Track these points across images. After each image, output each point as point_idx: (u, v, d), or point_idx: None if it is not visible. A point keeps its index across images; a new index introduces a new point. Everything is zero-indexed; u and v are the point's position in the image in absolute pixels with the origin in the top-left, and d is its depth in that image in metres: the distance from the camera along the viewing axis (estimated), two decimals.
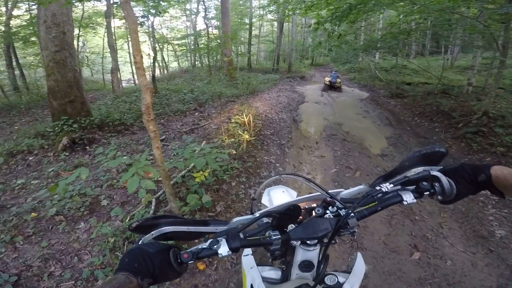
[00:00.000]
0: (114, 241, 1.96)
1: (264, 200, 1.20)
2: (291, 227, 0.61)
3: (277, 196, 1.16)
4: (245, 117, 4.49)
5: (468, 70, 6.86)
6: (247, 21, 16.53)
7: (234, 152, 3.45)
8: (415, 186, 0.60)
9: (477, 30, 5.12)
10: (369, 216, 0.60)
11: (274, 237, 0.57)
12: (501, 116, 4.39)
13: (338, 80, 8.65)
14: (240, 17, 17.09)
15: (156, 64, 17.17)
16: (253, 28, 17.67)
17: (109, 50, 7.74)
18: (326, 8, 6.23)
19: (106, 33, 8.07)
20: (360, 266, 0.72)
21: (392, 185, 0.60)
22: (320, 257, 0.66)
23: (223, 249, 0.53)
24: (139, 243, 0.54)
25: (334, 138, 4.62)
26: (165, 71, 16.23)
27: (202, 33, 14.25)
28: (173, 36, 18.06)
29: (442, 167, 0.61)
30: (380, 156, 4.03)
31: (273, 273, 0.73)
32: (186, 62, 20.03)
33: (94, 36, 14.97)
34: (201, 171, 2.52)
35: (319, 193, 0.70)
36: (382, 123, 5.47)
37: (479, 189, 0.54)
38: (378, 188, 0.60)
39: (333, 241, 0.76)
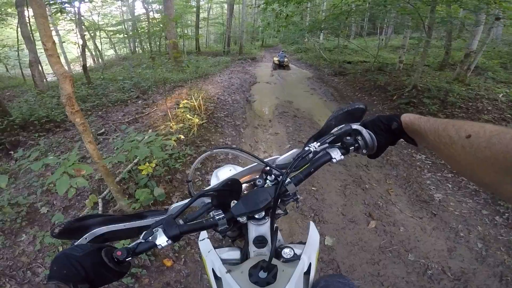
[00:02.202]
0: (63, 249, 1.73)
1: (213, 182, 1.12)
2: (233, 203, 0.58)
3: (225, 176, 1.08)
4: (195, 101, 4.23)
5: (400, 49, 7.63)
6: (194, 3, 15.46)
7: (183, 137, 3.23)
8: (340, 143, 0.60)
9: (408, 11, 5.66)
10: (304, 180, 0.58)
11: (217, 217, 0.54)
12: (427, 89, 5.02)
13: (286, 59, 9.07)
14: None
15: (88, 53, 15.05)
16: (201, 11, 16.67)
17: (24, 42, 6.46)
18: None
19: (19, 24, 6.68)
20: (314, 235, 0.71)
21: (319, 144, 0.58)
22: (271, 230, 0.64)
23: (161, 239, 0.48)
24: (75, 245, 0.48)
25: (286, 115, 4.72)
26: (100, 60, 14.32)
27: (142, 18, 12.82)
28: (106, 22, 15.97)
29: (362, 121, 0.62)
30: None
31: (232, 254, 0.71)
32: (125, 49, 18.02)
33: (3, 27, 12.35)
34: (147, 163, 2.30)
35: (256, 163, 0.67)
36: (328, 99, 5.78)
37: (395, 138, 0.56)
38: (306, 148, 0.58)
39: (281, 212, 0.72)
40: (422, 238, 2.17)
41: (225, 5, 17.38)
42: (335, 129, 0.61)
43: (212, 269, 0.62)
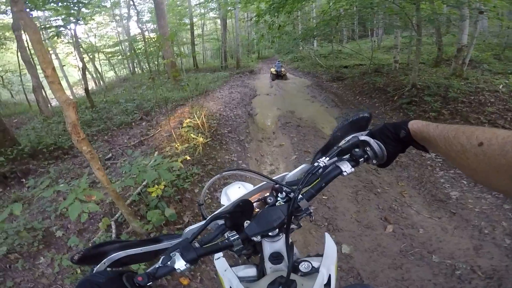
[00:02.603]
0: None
1: (223, 200, 1.14)
2: (246, 223, 0.58)
3: (234, 194, 1.11)
4: (197, 119, 4.28)
5: (393, 49, 7.73)
6: (187, 21, 15.90)
7: (189, 158, 3.25)
8: (349, 154, 0.60)
9: (395, 11, 5.77)
10: (316, 195, 0.59)
11: (232, 238, 0.54)
12: (427, 86, 5.01)
13: (283, 69, 9.22)
14: (179, 17, 16.42)
15: (89, 76, 15.43)
16: (195, 28, 17.11)
17: (25, 67, 6.62)
18: (263, 0, 6.32)
19: (18, 48, 6.85)
20: (330, 246, 0.70)
21: (328, 158, 0.59)
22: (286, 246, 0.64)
23: (179, 263, 0.49)
24: (94, 272, 0.50)
25: (289, 125, 4.73)
26: (101, 82, 14.64)
27: (137, 38, 13.18)
28: (104, 44, 16.42)
29: (369, 131, 0.61)
30: None
31: (249, 271, 0.71)
32: (124, 70, 18.42)
33: (3, 52, 12.67)
34: (155, 185, 2.33)
35: (265, 182, 0.67)
36: (329, 105, 5.81)
37: (404, 146, 0.56)
38: (316, 164, 0.58)
39: (295, 227, 0.72)
40: (444, 238, 2.10)
41: (218, 21, 17.81)
42: (343, 141, 0.61)
43: (230, 287, 0.62)
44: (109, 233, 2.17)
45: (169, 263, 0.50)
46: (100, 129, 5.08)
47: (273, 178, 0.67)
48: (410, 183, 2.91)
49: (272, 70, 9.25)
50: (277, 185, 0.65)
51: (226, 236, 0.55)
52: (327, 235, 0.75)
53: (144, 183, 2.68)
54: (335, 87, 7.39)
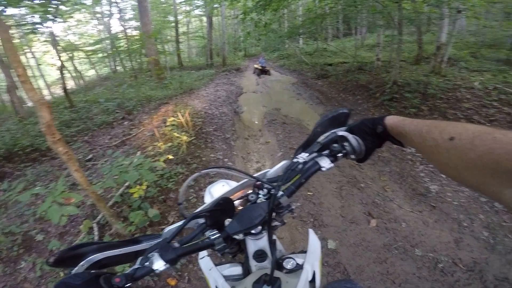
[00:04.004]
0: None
1: (207, 199, 1.11)
2: (227, 222, 0.58)
3: (217, 192, 1.08)
4: (181, 118, 4.19)
5: (375, 47, 7.90)
6: (172, 18, 15.53)
7: (172, 157, 3.18)
8: (328, 150, 0.60)
9: (377, 10, 5.90)
10: (297, 191, 0.58)
11: (213, 237, 0.53)
12: (407, 83, 5.17)
13: (267, 65, 9.74)
14: (163, 15, 16.01)
15: (69, 75, 14.76)
16: (180, 25, 16.77)
17: None
18: None
19: None
20: (314, 242, 0.71)
21: (308, 154, 0.59)
22: (269, 243, 0.64)
23: (158, 264, 0.48)
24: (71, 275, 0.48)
25: (275, 123, 4.75)
26: (81, 81, 14.05)
27: (119, 36, 12.72)
28: (84, 42, 15.77)
29: (347, 126, 0.62)
30: None
31: (234, 270, 0.71)
32: (106, 68, 17.77)
33: None
34: (138, 186, 2.27)
35: (246, 179, 0.67)
36: (314, 102, 5.87)
37: (381, 141, 0.56)
38: (295, 160, 0.58)
39: (278, 224, 0.72)
40: (426, 232, 2.16)
41: (204, 18, 17.53)
42: (322, 137, 0.61)
43: (216, 286, 0.62)
44: (91, 235, 2.13)
45: (147, 263, 0.48)
46: (80, 130, 4.88)
47: (255, 175, 0.66)
48: (392, 178, 2.98)
49: (256, 65, 9.62)
50: (258, 182, 0.65)
51: (207, 235, 0.54)
52: (310, 231, 0.76)
53: (127, 184, 2.62)
54: (320, 84, 7.47)
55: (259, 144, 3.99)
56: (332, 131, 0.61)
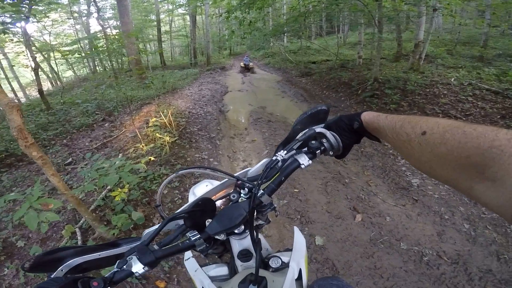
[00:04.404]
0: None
1: (190, 199, 1.08)
2: (208, 222, 0.56)
3: (201, 192, 1.03)
4: (164, 118, 4.09)
5: (357, 45, 8.08)
6: (154, 17, 15.13)
7: (154, 158, 3.10)
8: (307, 147, 0.59)
9: (359, 9, 6.03)
10: (277, 189, 0.57)
11: (193, 238, 0.53)
12: (388, 80, 5.32)
13: (251, 63, 10.08)
14: (144, 14, 15.59)
15: (45, 76, 14.00)
16: (162, 24, 16.37)
17: None
18: None
19: None
20: (299, 240, 0.71)
21: (286, 152, 0.58)
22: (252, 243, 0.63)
23: (137, 267, 0.47)
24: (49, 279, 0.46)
25: (260, 121, 4.74)
26: (58, 83, 13.41)
27: (98, 35, 12.21)
28: (60, 42, 15.04)
29: (325, 123, 0.62)
30: None
31: (220, 270, 0.70)
32: (85, 69, 17.07)
33: None
34: (119, 188, 2.23)
35: (227, 179, 0.66)
36: (298, 100, 5.92)
37: (358, 136, 0.56)
38: (274, 158, 0.58)
39: (262, 222, 0.71)
40: (409, 226, 2.21)
41: (187, 17, 17.23)
42: (300, 134, 0.61)
43: (202, 287, 0.61)
44: (74, 240, 2.07)
45: (125, 267, 0.47)
46: (58, 133, 4.66)
47: (236, 174, 0.66)
48: (375, 172, 3.05)
49: (242, 64, 10.10)
50: (239, 181, 0.64)
51: (188, 236, 0.54)
52: (296, 229, 0.75)
53: (109, 187, 2.54)
54: (304, 82, 7.54)
55: (245, 143, 3.97)
56: (310, 128, 0.61)
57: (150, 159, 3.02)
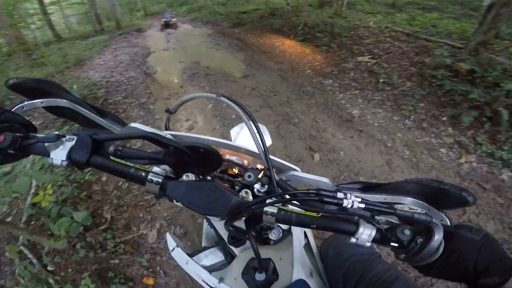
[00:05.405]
0: None
1: (233, 131, 0.96)
2: (186, 176, 0.42)
3: (234, 134, 0.93)
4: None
5: None
6: None
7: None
8: (390, 227, 0.37)
9: None
10: (294, 226, 0.41)
11: (151, 177, 0.39)
12: (316, 25, 5.48)
13: (174, 19, 9.55)
14: None
15: None
16: None
17: None
18: None
19: None
20: None
21: (364, 204, 0.35)
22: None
23: (58, 154, 0.37)
24: (16, 107, 0.41)
25: (197, 76, 4.31)
26: None
27: None
28: None
29: (451, 223, 0.39)
30: (244, 78, 4.15)
31: (214, 257, 0.60)
32: None
33: None
34: (40, 191, 1.70)
35: (256, 152, 0.46)
36: (234, 50, 5.59)
37: (467, 282, 0.35)
38: (340, 194, 0.36)
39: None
40: (362, 158, 2.33)
41: None
42: (402, 206, 0.38)
43: (202, 280, 0.52)
44: (27, 260, 1.67)
45: (50, 144, 0.37)
46: None
47: (281, 160, 0.47)
48: (319, 109, 3.14)
49: (162, 21, 9.47)
50: (269, 174, 0.44)
51: (152, 168, 0.41)
52: None
53: (33, 191, 1.96)
54: (237, 32, 7.18)
55: None
56: (427, 210, 0.40)
57: None
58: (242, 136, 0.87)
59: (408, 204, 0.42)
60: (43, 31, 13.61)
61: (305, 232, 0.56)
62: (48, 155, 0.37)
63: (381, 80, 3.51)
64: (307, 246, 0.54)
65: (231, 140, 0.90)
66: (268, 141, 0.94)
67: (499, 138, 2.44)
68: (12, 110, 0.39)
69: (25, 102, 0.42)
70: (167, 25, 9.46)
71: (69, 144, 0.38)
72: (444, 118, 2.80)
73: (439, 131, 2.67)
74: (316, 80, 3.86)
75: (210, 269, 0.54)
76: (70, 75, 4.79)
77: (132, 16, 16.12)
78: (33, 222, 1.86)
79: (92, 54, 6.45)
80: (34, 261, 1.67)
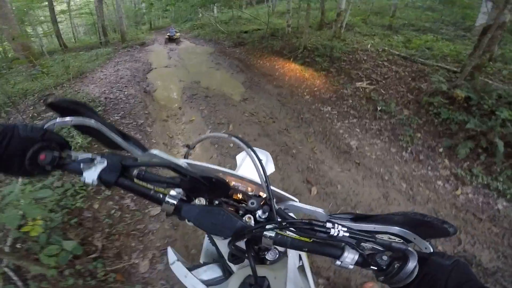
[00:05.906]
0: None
1: (239, 157, 1.05)
2: (198, 200, 0.48)
3: (239, 160, 1.02)
4: None
5: (286, 14, 8.05)
6: None
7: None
8: (371, 252, 0.42)
9: None
10: (289, 248, 0.49)
11: (167, 199, 0.46)
12: (316, 48, 5.54)
13: (177, 34, 9.93)
14: None
15: None
16: (58, 3, 13.47)
17: None
18: None
19: None
20: None
21: (348, 234, 0.41)
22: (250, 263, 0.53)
23: (90, 175, 0.42)
24: (48, 123, 0.44)
25: (196, 97, 4.32)
26: None
27: None
28: None
29: (433, 251, 0.43)
30: (243, 101, 4.16)
31: (213, 272, 0.64)
32: None
33: None
34: (29, 222, 1.66)
35: (259, 182, 0.52)
36: (234, 71, 5.65)
37: None
38: (329, 224, 0.42)
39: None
40: (359, 191, 2.31)
41: None
42: (384, 236, 0.44)
43: None
44: (11, 285, 1.58)
45: (82, 165, 0.43)
46: None
47: (276, 190, 0.54)
48: (317, 138, 3.13)
49: (167, 35, 9.92)
50: (269, 202, 0.50)
51: (168, 191, 0.47)
52: None
53: (20, 222, 1.87)
54: (238, 52, 7.26)
55: (182, 124, 3.51)
56: (403, 240, 0.44)
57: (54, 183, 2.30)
58: (247, 164, 0.97)
59: (396, 233, 0.45)
60: (50, 39, 13.84)
61: (300, 255, 0.59)
62: (81, 174, 0.43)
63: (379, 108, 3.53)
64: (301, 268, 0.58)
65: (236, 163, 1.03)
66: (271, 169, 1.05)
67: (495, 169, 2.44)
68: (45, 127, 0.44)
69: (58, 120, 0.46)
70: (170, 39, 9.83)
71: (100, 166, 0.43)
72: (441, 150, 2.80)
73: (436, 164, 2.66)
74: (315, 106, 3.88)
75: (208, 284, 0.58)
76: (69, 89, 4.80)
77: (137, 29, 16.51)
78: (19, 245, 1.77)
79: (95, 67, 6.52)
80: (20, 283, 1.59)
